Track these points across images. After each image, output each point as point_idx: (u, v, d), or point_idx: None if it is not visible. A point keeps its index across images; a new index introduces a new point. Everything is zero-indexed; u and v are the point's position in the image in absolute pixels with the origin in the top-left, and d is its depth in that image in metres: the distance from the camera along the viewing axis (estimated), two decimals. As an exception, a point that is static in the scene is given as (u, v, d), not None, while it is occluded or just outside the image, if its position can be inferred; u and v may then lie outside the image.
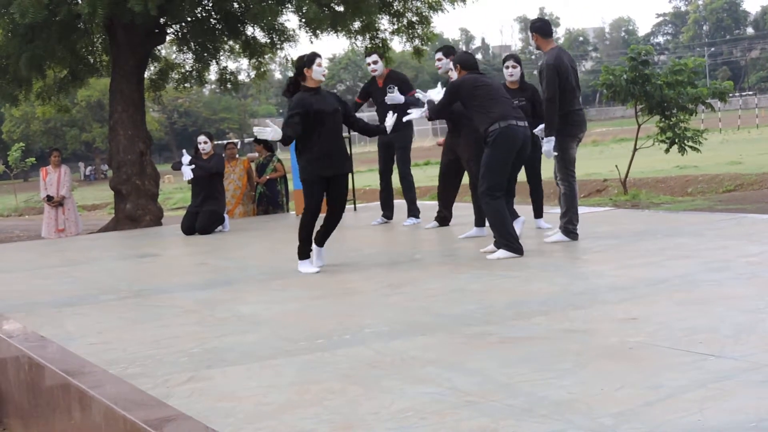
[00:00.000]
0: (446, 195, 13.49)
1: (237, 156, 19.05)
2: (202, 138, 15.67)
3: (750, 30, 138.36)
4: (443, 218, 13.60)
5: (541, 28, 10.97)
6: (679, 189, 20.75)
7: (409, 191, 14.68)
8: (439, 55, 13.00)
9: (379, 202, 15.47)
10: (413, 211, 14.72)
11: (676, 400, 4.63)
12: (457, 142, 12.48)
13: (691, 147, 19.69)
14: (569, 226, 10.84)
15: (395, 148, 14.55)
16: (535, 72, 13.16)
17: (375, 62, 14.47)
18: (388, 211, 15.08)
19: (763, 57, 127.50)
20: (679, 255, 9.36)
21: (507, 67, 12.28)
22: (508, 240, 10.07)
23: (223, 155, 19.04)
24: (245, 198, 18.53)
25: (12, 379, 7.59)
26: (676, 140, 19.56)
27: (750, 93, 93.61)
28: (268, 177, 18.53)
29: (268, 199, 18.71)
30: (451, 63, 11.28)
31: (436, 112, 11.16)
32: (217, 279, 10.34)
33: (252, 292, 9.29)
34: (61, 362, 6.65)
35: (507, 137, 10.18)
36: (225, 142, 21.91)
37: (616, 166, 21.21)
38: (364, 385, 5.40)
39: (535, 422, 4.48)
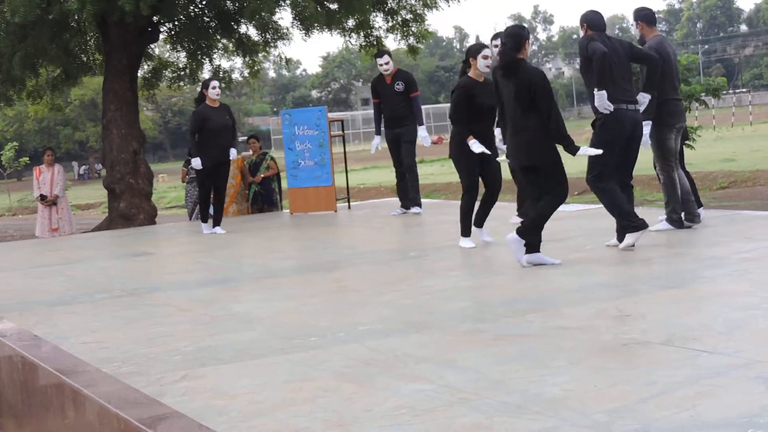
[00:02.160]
0: None
1: None
2: (217, 83, 15.37)
3: (743, 27, 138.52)
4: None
5: (646, 16, 10.90)
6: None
7: (414, 181, 15.52)
8: (497, 41, 12.06)
9: (373, 200, 15.64)
10: (416, 201, 15.57)
11: (669, 396, 4.64)
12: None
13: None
14: (673, 215, 10.72)
15: (402, 142, 15.29)
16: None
17: (387, 63, 15.39)
18: (406, 202, 15.72)
19: (757, 54, 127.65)
20: (673, 252, 9.38)
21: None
22: (628, 220, 9.56)
23: None
24: (239, 197, 18.52)
25: (5, 378, 7.59)
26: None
27: (743, 90, 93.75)
28: (262, 176, 18.52)
29: (262, 198, 18.69)
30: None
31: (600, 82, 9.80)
32: (211, 277, 10.33)
33: (246, 290, 9.29)
34: (54, 361, 6.64)
35: (615, 122, 9.64)
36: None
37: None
38: (358, 382, 5.40)
39: (528, 419, 4.48)
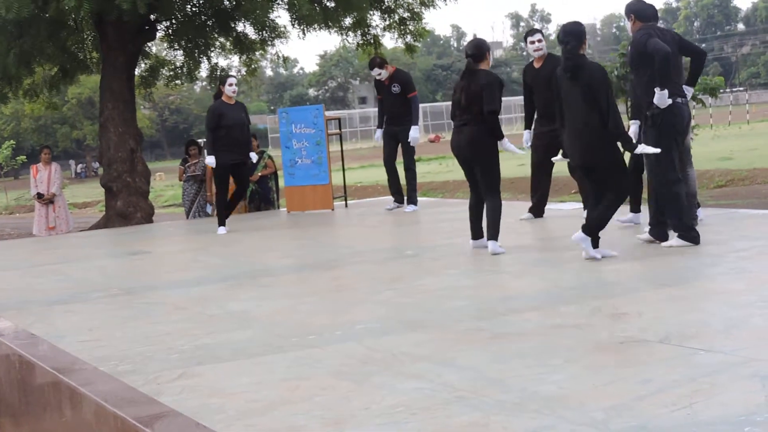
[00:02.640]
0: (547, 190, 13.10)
1: None
2: (234, 80, 15.27)
3: (741, 26, 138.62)
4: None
5: (638, 10, 10.75)
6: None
7: (412, 180, 15.82)
8: (539, 36, 12.50)
9: (370, 198, 15.68)
10: (413, 199, 15.86)
11: (666, 394, 4.64)
12: (553, 131, 11.29)
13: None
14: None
15: (401, 142, 15.63)
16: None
17: (379, 74, 15.64)
18: (399, 196, 16.28)
19: (754, 53, 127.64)
20: (670, 250, 9.37)
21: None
22: (684, 229, 9.48)
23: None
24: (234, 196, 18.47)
25: (2, 377, 7.58)
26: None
27: (741, 89, 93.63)
28: (259, 174, 18.51)
29: (259, 196, 18.67)
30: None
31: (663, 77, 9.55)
32: (208, 276, 10.33)
33: (243, 288, 9.28)
34: (51, 360, 6.64)
35: (673, 116, 9.52)
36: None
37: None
38: (355, 381, 5.41)
39: (526, 417, 4.49)
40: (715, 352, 5.36)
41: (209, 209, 18.34)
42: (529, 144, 12.61)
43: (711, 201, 16.59)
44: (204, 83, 34.80)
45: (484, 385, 5.08)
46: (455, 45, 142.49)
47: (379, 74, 15.56)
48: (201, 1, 21.37)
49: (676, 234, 9.52)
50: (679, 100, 9.54)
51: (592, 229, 9.08)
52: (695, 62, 10.00)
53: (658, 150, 9.26)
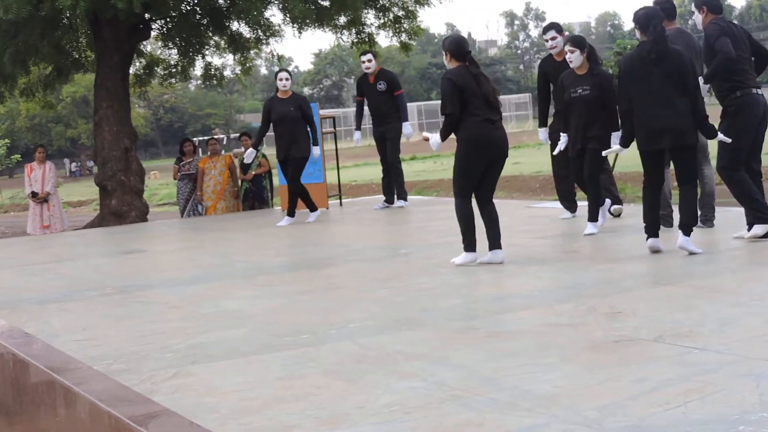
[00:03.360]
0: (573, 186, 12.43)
1: (221, 152, 19.07)
2: (284, 75, 15.05)
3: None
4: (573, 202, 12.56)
5: (665, 10, 10.64)
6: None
7: (398, 177, 16.07)
8: (553, 33, 12.09)
9: (365, 197, 15.72)
10: (402, 195, 16.21)
11: (660, 393, 4.65)
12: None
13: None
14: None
15: (386, 139, 15.76)
16: (521, 66, 13.05)
17: (369, 60, 15.76)
18: (389, 196, 16.30)
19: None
20: (665, 249, 9.37)
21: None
22: (759, 210, 9.43)
23: (207, 152, 19.03)
24: (226, 193, 18.46)
25: (-3, 375, 7.58)
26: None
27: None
28: (253, 173, 18.49)
29: (253, 195, 18.66)
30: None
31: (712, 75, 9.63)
32: (202, 275, 10.31)
33: (238, 287, 9.27)
34: (45, 359, 6.64)
35: (748, 107, 9.46)
36: (207, 138, 21.86)
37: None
38: (350, 380, 5.40)
39: (519, 416, 4.49)
40: (709, 351, 5.36)
41: (200, 209, 18.33)
42: (549, 142, 12.23)
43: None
44: (198, 82, 34.75)
45: (478, 383, 5.08)
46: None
47: (370, 61, 15.72)
48: (196, 0, 21.35)
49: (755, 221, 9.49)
50: (754, 91, 9.50)
51: (690, 224, 8.96)
52: (759, 62, 9.97)
53: (729, 139, 9.26)
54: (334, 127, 18.87)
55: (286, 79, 14.91)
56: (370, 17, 22.01)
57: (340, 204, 18.06)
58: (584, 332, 6.16)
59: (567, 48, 10.86)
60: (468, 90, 9.13)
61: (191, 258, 12.18)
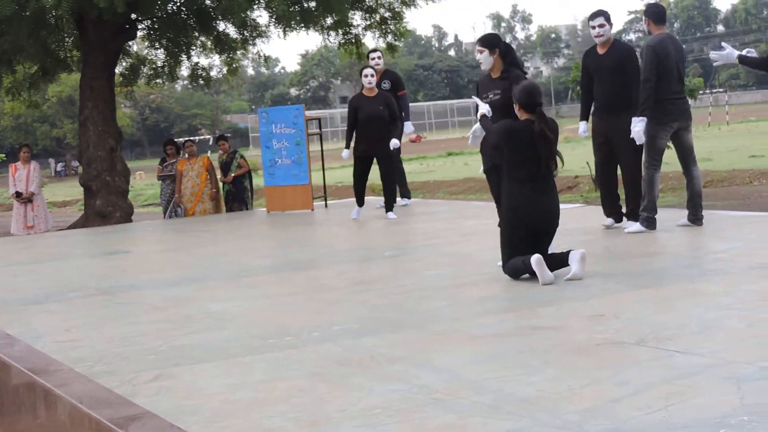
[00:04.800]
0: (612, 188, 11.46)
1: (196, 153, 19.06)
2: (369, 71, 14.71)
3: (720, 27, 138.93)
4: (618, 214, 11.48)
5: (654, 13, 10.87)
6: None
7: (401, 176, 16.64)
8: (601, 20, 11.07)
9: (351, 198, 15.80)
10: (405, 194, 16.87)
11: (641, 396, 4.64)
12: (613, 125, 10.96)
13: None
14: (645, 214, 10.69)
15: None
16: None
17: (379, 57, 16.17)
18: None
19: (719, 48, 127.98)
20: (648, 251, 9.39)
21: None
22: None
23: (183, 154, 18.98)
24: (204, 195, 18.46)
25: (-21, 377, 7.55)
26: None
27: (720, 90, 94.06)
28: (233, 175, 18.51)
29: (233, 197, 18.67)
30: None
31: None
32: (186, 276, 10.30)
33: (221, 289, 9.26)
34: (27, 361, 6.61)
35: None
36: (183, 140, 21.83)
37: (587, 162, 21.20)
38: (332, 382, 5.39)
39: (502, 419, 4.48)
40: (692, 354, 5.36)
41: (180, 210, 18.32)
42: (587, 135, 11.69)
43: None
44: (185, 82, 34.64)
45: (461, 386, 5.08)
46: (436, 45, 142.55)
47: (380, 58, 16.15)
48: (182, 1, 21.32)
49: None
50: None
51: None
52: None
53: None
54: (320, 129, 18.87)
55: (372, 76, 14.75)
56: (356, 18, 22.04)
57: (326, 205, 18.05)
58: (567, 335, 6.15)
59: (476, 48, 9.95)
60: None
61: (175, 259, 12.16)
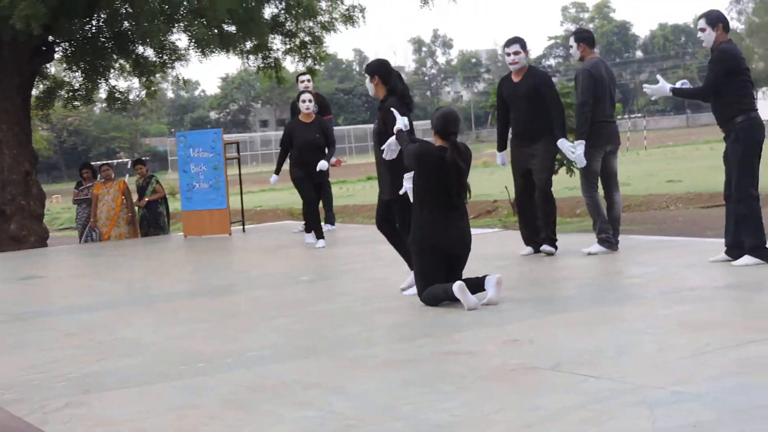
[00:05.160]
0: (532, 217, 11.23)
1: (113, 177, 18.89)
2: (307, 96, 14.40)
3: (639, 53, 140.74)
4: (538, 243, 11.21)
5: (586, 38, 11.02)
6: (569, 210, 20.89)
7: (327, 198, 16.18)
8: (516, 47, 10.98)
9: (270, 223, 15.71)
10: (329, 219, 16.45)
11: (555, 422, 4.66)
12: (531, 152, 10.96)
13: (579, 169, 19.76)
14: (602, 236, 10.77)
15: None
16: (428, 93, 12.98)
17: (309, 80, 16.06)
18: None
19: (651, 80, 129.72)
20: (564, 276, 9.46)
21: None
22: (759, 246, 9.22)
23: (99, 178, 18.79)
24: (119, 220, 18.31)
25: None
26: (565, 161, 19.53)
27: (639, 115, 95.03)
28: (147, 199, 18.39)
29: (148, 222, 18.55)
30: (705, 23, 9.47)
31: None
32: (101, 302, 10.18)
33: (135, 315, 9.17)
34: (-66, 388, 6.49)
35: (754, 129, 9.23)
36: (100, 163, 21.64)
37: (506, 187, 21.33)
38: (245, 409, 5.35)
39: (414, 446, 4.48)
40: (605, 379, 5.39)
41: (95, 235, 18.15)
42: (505, 165, 11.49)
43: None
44: (103, 105, 34.32)
45: (375, 413, 5.06)
46: (357, 69, 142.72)
47: (310, 81, 16.01)
48: (100, 23, 21.15)
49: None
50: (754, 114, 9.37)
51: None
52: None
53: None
54: (238, 153, 18.79)
55: (310, 102, 14.43)
56: (276, 42, 22.01)
57: (243, 230, 17.97)
58: (482, 360, 6.16)
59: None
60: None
61: (90, 284, 12.02)
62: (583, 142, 10.51)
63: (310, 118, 14.35)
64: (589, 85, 10.56)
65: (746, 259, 9.20)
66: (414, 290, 8.67)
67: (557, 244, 10.97)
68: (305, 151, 14.20)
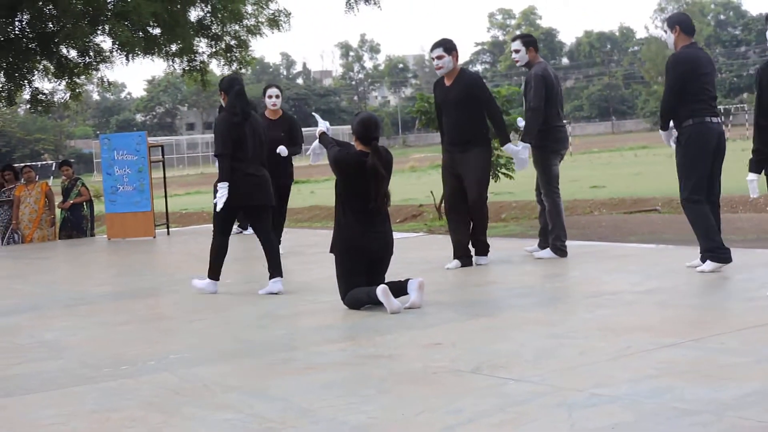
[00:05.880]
0: (465, 227, 10.86)
1: (35, 179, 18.73)
2: (274, 91, 13.31)
3: (565, 60, 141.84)
4: (468, 257, 10.85)
5: (535, 42, 11.05)
6: (494, 214, 20.98)
7: None
8: (439, 51, 10.59)
9: (194, 226, 15.63)
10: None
11: (475, 424, 4.69)
12: (463, 158, 10.64)
13: (504, 174, 19.92)
14: (557, 243, 10.77)
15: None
16: (356, 97, 12.96)
17: (277, 96, 14.61)
18: (243, 221, 15.93)
19: (578, 86, 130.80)
20: (486, 281, 9.51)
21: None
22: (713, 250, 9.17)
23: (21, 180, 18.62)
24: (42, 222, 18.16)
25: None
26: (498, 170, 19.68)
27: (564, 122, 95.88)
28: (71, 202, 18.24)
29: (71, 224, 18.40)
30: (666, 26, 9.50)
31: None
32: (22, 304, 10.08)
33: (57, 317, 9.09)
34: None
35: (700, 135, 9.13)
36: (22, 165, 21.45)
37: (432, 192, 21.42)
38: (167, 412, 5.33)
39: (334, 448, 4.50)
40: (524, 382, 5.44)
41: (17, 237, 17.98)
42: None
43: (532, 231, 16.85)
44: (27, 106, 33.98)
45: (295, 415, 5.06)
46: (285, 73, 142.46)
47: (277, 97, 13.96)
48: (23, 24, 20.95)
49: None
50: (708, 119, 9.24)
51: None
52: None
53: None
54: (162, 156, 18.70)
55: (276, 97, 13.38)
56: (202, 46, 21.95)
57: (168, 233, 17.88)
58: (403, 363, 6.19)
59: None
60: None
61: (10, 287, 11.89)
62: (529, 146, 10.54)
63: (277, 114, 13.42)
64: (541, 90, 10.56)
65: (707, 265, 9.19)
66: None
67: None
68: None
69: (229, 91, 9.73)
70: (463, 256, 10.70)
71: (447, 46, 10.62)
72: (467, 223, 10.79)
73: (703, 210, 9.18)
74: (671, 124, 9.39)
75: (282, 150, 12.96)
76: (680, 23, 9.37)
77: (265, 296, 9.49)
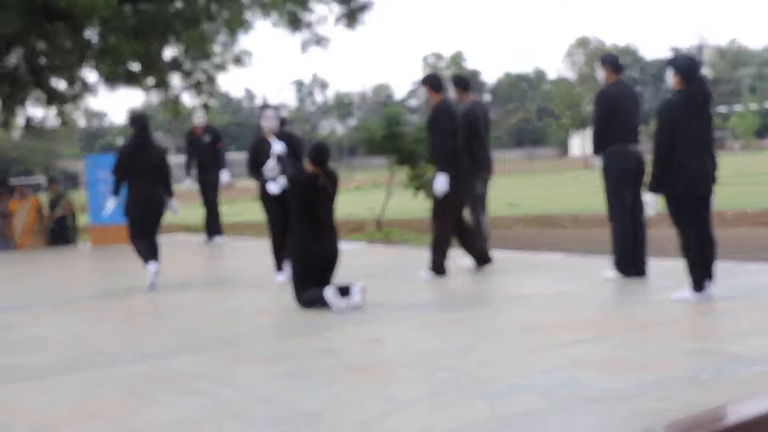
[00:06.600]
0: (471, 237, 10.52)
1: (26, 195, 18.55)
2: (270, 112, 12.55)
3: (487, 97, 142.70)
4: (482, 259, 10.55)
5: (465, 81, 10.97)
6: (426, 228, 21.09)
7: (217, 217, 16.43)
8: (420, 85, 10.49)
9: (173, 234, 15.59)
10: (220, 232, 16.52)
11: (408, 409, 4.69)
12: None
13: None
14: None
15: (208, 185, 16.19)
16: (309, 128, 12.95)
17: (203, 116, 16.48)
18: (210, 233, 16.43)
19: (497, 119, 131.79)
20: (420, 286, 9.48)
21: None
22: (619, 263, 9.08)
23: (16, 195, 18.43)
24: (33, 232, 17.99)
25: None
26: (422, 187, 19.77)
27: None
28: (57, 215, 18.10)
29: (57, 235, 18.23)
30: (600, 62, 9.45)
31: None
32: (13, 303, 9.93)
33: (45, 315, 8.96)
34: None
35: (616, 159, 9.05)
36: (17, 183, 21.24)
37: (371, 207, 21.46)
38: (141, 398, 5.27)
39: (290, 430, 4.45)
40: (451, 372, 5.44)
41: (11, 245, 17.79)
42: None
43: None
44: (22, 132, 33.66)
45: (255, 402, 5.02)
46: (246, 105, 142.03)
47: (204, 116, 16.38)
48: (19, 58, 20.71)
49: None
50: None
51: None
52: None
53: None
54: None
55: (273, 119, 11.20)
56: (175, 80, 21.84)
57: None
58: (349, 356, 6.18)
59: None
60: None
61: (2, 288, 11.71)
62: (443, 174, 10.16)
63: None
64: (464, 128, 10.27)
65: (610, 272, 9.20)
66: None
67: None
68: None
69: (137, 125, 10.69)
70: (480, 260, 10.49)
71: (427, 83, 10.28)
72: (471, 234, 10.46)
73: (624, 226, 9.17)
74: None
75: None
76: (610, 62, 9.40)
77: (229, 296, 9.42)
